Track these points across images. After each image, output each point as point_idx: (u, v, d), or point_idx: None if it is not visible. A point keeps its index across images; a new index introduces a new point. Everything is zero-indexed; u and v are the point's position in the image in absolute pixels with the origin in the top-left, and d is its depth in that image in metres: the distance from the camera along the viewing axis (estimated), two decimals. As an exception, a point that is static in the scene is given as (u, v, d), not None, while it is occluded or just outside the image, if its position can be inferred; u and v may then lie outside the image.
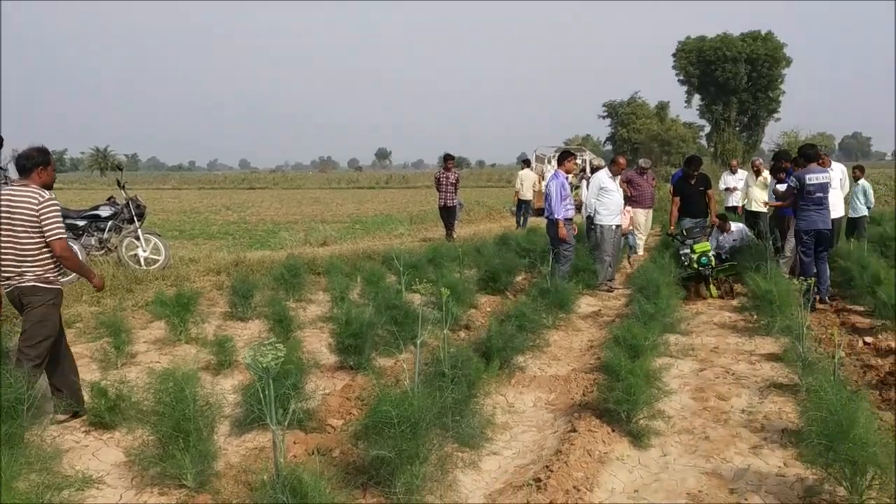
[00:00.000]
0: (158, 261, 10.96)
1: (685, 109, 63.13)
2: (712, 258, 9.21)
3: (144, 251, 10.89)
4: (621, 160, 10.81)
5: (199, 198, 45.61)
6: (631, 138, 61.72)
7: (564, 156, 10.04)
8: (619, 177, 10.60)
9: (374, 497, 3.78)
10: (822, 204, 8.33)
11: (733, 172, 14.50)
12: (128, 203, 11.33)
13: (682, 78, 59.88)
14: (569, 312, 8.25)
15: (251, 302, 8.29)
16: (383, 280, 8.92)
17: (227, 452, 4.48)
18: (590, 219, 10.69)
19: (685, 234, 9.82)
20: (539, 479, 3.87)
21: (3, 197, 4.75)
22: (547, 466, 4.03)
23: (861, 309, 8.31)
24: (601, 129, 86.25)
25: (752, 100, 58.38)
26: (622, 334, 5.73)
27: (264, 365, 2.75)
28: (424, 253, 11.09)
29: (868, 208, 12.22)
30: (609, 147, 66.31)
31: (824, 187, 8.33)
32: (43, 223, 4.73)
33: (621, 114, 64.75)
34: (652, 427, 4.76)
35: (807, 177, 8.29)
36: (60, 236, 4.81)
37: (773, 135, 57.41)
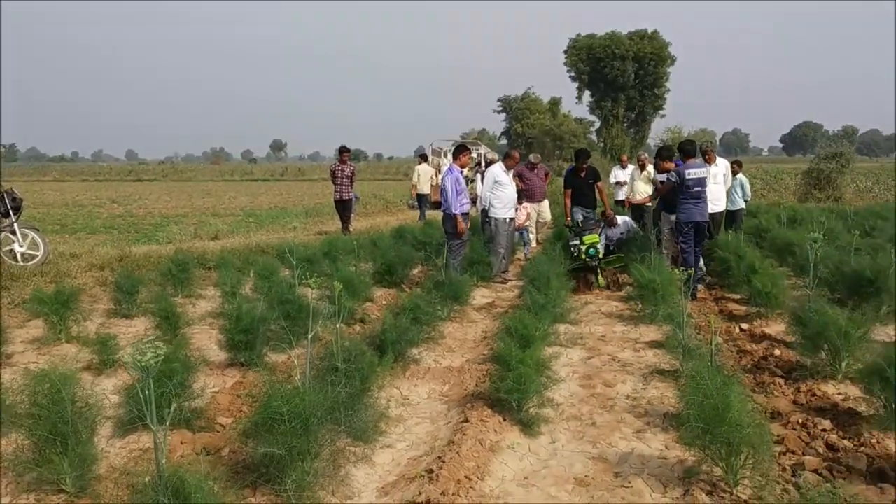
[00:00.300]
0: (36, 256, 10.43)
1: (576, 105, 64.96)
2: (600, 250, 9.49)
3: (21, 246, 10.37)
4: (515, 154, 11.03)
5: (83, 190, 43.57)
6: (525, 133, 62.86)
7: (459, 150, 10.11)
8: (512, 170, 10.79)
9: (265, 495, 3.72)
10: (701, 197, 8.76)
11: (623, 167, 14.98)
12: (2, 196, 10.71)
13: (573, 74, 61.54)
14: (463, 304, 8.35)
15: (137, 298, 7.99)
16: (277, 274, 8.76)
17: (109, 455, 4.30)
18: (484, 212, 10.83)
19: (580, 225, 10.09)
20: (431, 471, 3.90)
21: None
22: (439, 457, 4.07)
23: (738, 297, 8.77)
24: (497, 124, 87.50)
25: (640, 97, 60.66)
26: (514, 325, 5.85)
27: (143, 364, 2.65)
28: (319, 246, 10.97)
29: (745, 201, 12.86)
30: (504, 141, 67.36)
31: (702, 182, 8.75)
32: None
33: (516, 109, 65.84)
34: (542, 415, 4.88)
35: (686, 172, 8.69)
36: None
37: (658, 131, 59.90)
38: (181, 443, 4.38)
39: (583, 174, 10.91)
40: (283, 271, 9.14)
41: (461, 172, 9.77)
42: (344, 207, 15.06)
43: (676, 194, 8.83)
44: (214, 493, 3.07)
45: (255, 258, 10.51)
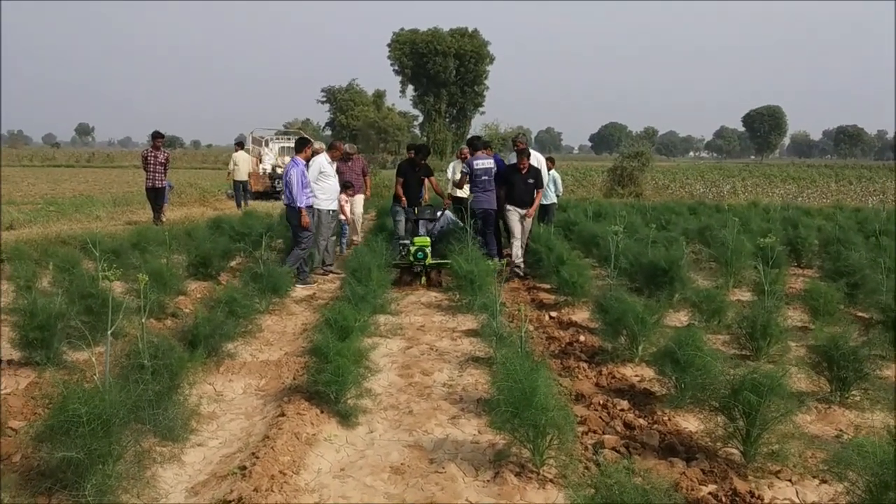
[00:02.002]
0: None
1: (400, 99, 65.68)
2: (429, 253, 9.49)
3: None
4: (340, 145, 10.97)
5: None
6: (350, 124, 62.48)
7: (303, 143, 10.02)
8: (336, 162, 10.72)
9: (61, 501, 3.46)
10: (489, 188, 9.41)
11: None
12: None
13: (396, 68, 62.11)
14: (283, 297, 8.20)
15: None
16: (79, 267, 8.16)
17: None
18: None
19: (416, 212, 10.16)
20: (244, 467, 3.80)
21: None
22: (253, 453, 3.97)
23: (548, 287, 9.24)
24: (321, 114, 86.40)
25: (461, 93, 62.33)
26: (333, 316, 5.82)
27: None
28: (128, 237, 10.34)
29: (557, 196, 13.56)
30: (329, 132, 66.60)
31: (489, 171, 9.51)
32: None
33: (340, 100, 65.27)
34: (360, 405, 4.90)
35: (475, 163, 9.34)
36: None
37: (478, 127, 61.87)
38: (-34, 451, 3.98)
39: (417, 168, 11.04)
40: (86, 264, 8.53)
41: (304, 165, 9.64)
42: (156, 196, 14.31)
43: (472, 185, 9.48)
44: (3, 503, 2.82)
45: (55, 249, 9.73)
